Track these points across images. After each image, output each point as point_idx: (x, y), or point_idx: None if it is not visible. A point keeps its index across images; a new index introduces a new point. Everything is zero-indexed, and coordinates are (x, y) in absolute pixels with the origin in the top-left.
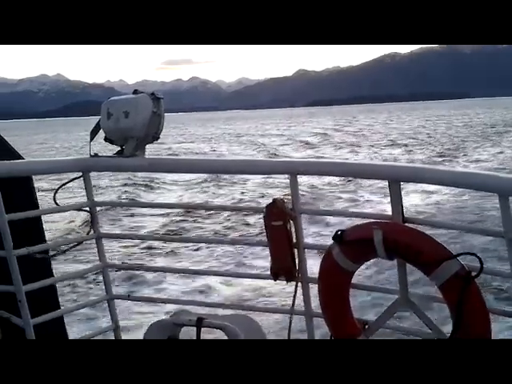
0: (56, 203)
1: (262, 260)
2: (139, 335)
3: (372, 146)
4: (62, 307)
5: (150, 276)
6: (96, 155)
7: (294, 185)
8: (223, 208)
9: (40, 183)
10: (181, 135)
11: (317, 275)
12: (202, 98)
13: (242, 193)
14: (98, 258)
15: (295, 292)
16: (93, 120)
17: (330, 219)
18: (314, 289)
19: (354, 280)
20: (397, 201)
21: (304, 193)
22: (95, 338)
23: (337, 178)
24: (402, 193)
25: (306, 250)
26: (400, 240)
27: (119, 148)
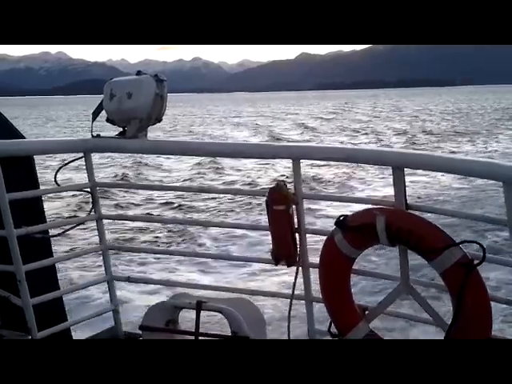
0: (57, 183)
1: (263, 244)
2: (139, 317)
3: (375, 132)
4: (61, 288)
5: (150, 258)
6: (98, 136)
7: (296, 170)
8: (225, 191)
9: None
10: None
11: (318, 260)
12: (204, 79)
13: (242, 175)
14: (98, 239)
15: (296, 277)
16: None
17: (332, 205)
18: (314, 274)
19: (355, 266)
20: (400, 187)
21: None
22: (94, 330)
23: (340, 164)
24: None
25: (307, 235)
26: (403, 226)
27: (121, 129)
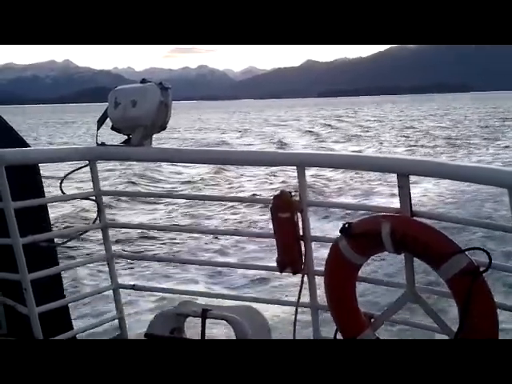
0: (62, 192)
1: (268, 251)
2: (144, 325)
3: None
4: (66, 296)
5: (155, 266)
6: (103, 144)
7: (301, 177)
8: (230, 199)
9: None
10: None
11: (323, 268)
12: (210, 87)
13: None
14: (103, 247)
15: (301, 284)
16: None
17: (338, 212)
18: (320, 281)
19: (360, 273)
20: (405, 194)
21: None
22: (100, 338)
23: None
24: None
25: (312, 242)
26: (408, 234)
27: (126, 137)
